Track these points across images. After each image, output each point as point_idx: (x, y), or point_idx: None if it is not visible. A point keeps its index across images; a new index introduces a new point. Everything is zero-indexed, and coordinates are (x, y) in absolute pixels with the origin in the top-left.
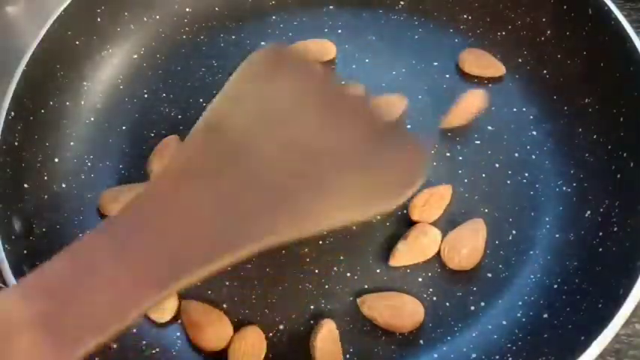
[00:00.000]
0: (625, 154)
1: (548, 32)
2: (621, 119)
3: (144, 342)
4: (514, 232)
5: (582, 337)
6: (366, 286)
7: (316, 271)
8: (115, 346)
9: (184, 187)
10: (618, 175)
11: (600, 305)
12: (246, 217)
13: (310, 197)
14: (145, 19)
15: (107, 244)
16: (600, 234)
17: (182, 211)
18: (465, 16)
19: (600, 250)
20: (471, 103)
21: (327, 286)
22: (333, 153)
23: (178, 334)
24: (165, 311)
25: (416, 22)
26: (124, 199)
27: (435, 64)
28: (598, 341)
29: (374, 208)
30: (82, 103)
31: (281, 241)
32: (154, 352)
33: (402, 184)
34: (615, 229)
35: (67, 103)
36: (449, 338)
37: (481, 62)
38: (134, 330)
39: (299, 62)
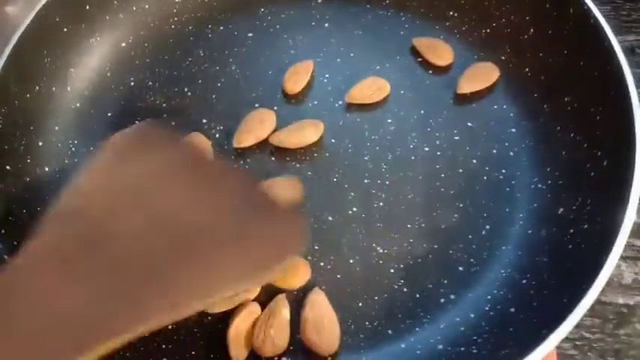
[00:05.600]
0: (600, 153)
1: (531, 31)
2: (598, 118)
3: None
4: (488, 227)
5: (544, 331)
6: (338, 276)
7: None
8: None
9: (46, 274)
10: (592, 174)
11: (565, 300)
12: (119, 300)
13: (184, 274)
14: (134, 8)
15: None
16: (571, 231)
17: (46, 301)
18: (451, 13)
19: (570, 247)
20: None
21: None
22: (205, 227)
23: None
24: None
25: (402, 18)
26: None
27: (420, 59)
28: (556, 333)
29: (249, 280)
30: (68, 89)
31: (161, 323)
32: None
33: (278, 255)
34: (585, 226)
35: (54, 89)
36: (417, 329)
37: (435, 50)
38: None
39: (168, 139)
